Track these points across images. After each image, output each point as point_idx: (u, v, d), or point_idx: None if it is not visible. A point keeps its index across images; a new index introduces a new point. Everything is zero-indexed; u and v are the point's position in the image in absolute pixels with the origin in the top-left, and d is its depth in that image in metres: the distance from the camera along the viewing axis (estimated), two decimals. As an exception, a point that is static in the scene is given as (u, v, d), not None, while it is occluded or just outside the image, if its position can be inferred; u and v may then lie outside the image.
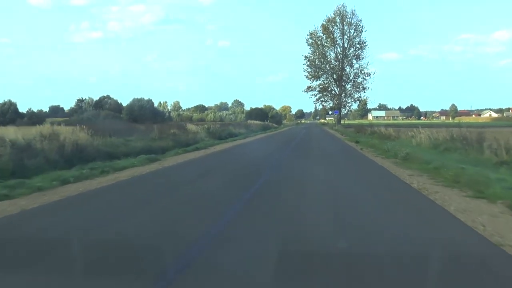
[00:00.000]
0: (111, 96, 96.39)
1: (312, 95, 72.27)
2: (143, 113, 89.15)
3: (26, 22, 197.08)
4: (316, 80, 71.72)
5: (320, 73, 70.66)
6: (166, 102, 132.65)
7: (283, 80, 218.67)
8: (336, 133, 51.85)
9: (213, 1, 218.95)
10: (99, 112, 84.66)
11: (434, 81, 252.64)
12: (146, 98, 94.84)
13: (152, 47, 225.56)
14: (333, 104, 72.34)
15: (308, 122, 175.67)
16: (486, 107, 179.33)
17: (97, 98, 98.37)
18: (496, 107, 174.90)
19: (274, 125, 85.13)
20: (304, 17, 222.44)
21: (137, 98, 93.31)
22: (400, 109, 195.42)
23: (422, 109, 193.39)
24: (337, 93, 70.66)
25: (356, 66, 70.16)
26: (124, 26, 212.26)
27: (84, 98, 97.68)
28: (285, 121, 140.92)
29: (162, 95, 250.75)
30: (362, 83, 69.74)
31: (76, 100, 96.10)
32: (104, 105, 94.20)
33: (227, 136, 35.28)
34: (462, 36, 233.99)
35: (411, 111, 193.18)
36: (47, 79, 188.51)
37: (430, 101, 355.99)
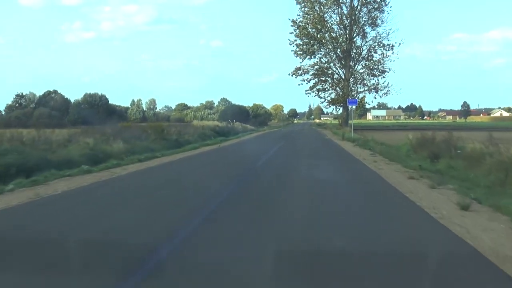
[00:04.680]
0: (58, 91, 78.89)
1: (304, 80, 47.00)
2: (95, 111, 72.71)
3: (17, 22, 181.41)
4: (309, 58, 46.33)
5: (315, 47, 44.70)
6: (140, 100, 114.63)
7: (277, 80, 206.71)
8: (376, 162, 15.39)
9: (206, 1, 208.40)
10: (32, 111, 67.53)
11: (434, 79, 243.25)
12: (99, 94, 77.81)
13: (146, 47, 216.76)
14: (335, 94, 46.03)
15: (302, 122, 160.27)
16: (495, 106, 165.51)
17: (41, 94, 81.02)
18: (505, 105, 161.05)
19: (249, 127, 59.39)
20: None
21: (89, 94, 76.21)
22: (400, 108, 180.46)
23: (423, 108, 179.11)
24: (343, 77, 45.24)
25: (371, 35, 46.38)
26: (117, 26, 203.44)
27: (24, 94, 79.73)
28: (275, 121, 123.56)
29: (154, 94, 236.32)
30: (381, 61, 45.36)
31: (14, 96, 78.15)
32: (49, 101, 76.87)
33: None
34: (455, 36, 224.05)
35: (412, 110, 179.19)
36: (37, 78, 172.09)
37: (431, 100, 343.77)
